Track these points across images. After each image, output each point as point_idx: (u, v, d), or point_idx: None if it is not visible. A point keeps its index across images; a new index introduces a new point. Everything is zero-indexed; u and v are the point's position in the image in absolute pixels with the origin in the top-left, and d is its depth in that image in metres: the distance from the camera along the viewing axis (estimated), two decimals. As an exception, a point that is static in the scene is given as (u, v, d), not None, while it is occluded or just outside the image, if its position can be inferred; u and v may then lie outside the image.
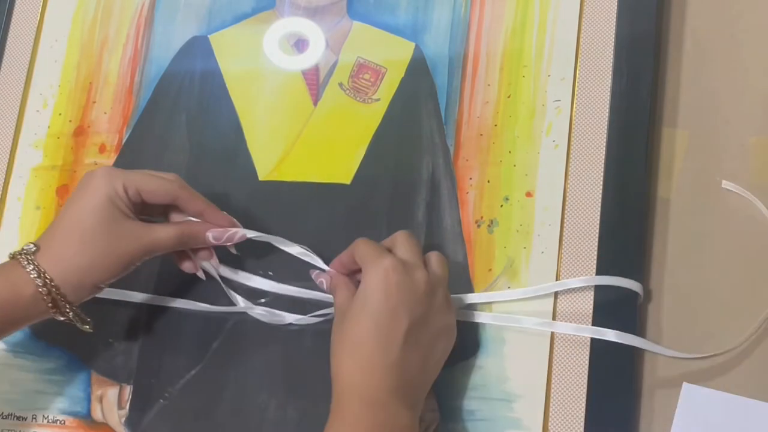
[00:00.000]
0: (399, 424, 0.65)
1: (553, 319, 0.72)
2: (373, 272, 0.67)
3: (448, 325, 0.69)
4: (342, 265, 0.73)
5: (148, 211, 0.73)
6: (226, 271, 0.76)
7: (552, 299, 0.73)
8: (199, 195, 0.74)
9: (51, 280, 0.68)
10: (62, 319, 0.70)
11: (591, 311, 0.72)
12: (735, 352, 0.70)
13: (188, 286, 0.78)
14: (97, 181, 0.70)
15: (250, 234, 0.74)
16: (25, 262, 0.68)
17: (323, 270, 0.74)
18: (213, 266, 0.75)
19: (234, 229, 0.74)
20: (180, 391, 0.77)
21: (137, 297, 0.79)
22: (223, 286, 0.76)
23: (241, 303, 0.76)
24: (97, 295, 0.73)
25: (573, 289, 0.72)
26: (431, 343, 0.68)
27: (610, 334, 0.70)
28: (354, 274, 0.73)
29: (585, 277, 0.72)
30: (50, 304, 0.69)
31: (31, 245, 0.69)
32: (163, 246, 0.72)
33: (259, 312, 0.76)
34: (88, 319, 0.72)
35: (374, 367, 0.65)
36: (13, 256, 0.70)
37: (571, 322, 0.72)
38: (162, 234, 0.71)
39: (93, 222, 0.69)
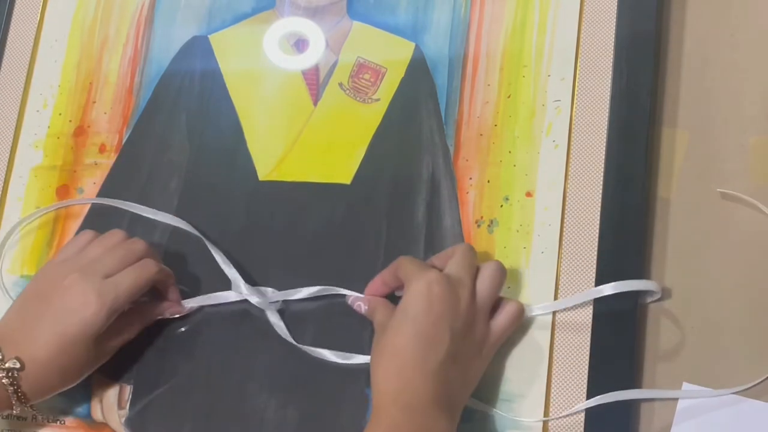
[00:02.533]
0: (436, 431, 0.64)
1: (553, 323, 0.72)
2: (416, 284, 0.67)
3: (485, 340, 0.69)
4: (384, 283, 0.73)
5: None
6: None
7: (551, 313, 0.72)
8: (167, 272, 0.76)
9: (24, 397, 0.71)
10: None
11: (590, 320, 0.72)
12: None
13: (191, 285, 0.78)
14: (93, 313, 0.71)
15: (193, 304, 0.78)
16: (8, 382, 0.70)
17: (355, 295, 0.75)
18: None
19: (186, 306, 0.77)
20: (180, 392, 0.77)
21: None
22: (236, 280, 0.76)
23: (244, 289, 0.76)
24: None
25: (572, 292, 0.72)
26: (470, 358, 0.68)
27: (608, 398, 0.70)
28: (397, 290, 0.73)
29: (615, 282, 0.70)
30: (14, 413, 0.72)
31: (16, 362, 0.70)
32: (125, 342, 0.76)
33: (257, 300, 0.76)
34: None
35: (413, 374, 0.65)
36: None
37: (570, 324, 0.72)
38: (126, 335, 0.75)
39: (79, 354, 0.72)
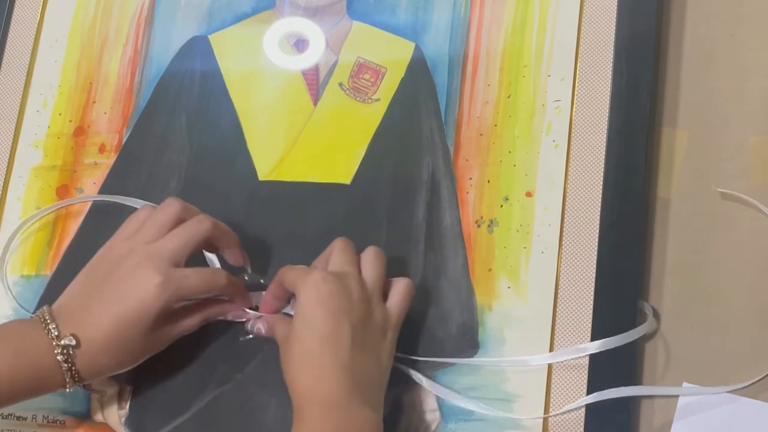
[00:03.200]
0: (360, 424, 0.65)
1: (553, 323, 0.72)
2: (305, 288, 0.68)
3: (387, 323, 0.70)
4: (275, 297, 0.73)
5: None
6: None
7: (551, 313, 0.72)
8: (235, 282, 0.74)
9: (78, 375, 0.70)
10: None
11: (590, 320, 0.72)
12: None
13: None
14: (153, 297, 0.69)
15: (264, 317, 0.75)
16: (62, 359, 0.68)
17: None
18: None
19: (253, 314, 0.75)
20: (180, 391, 0.77)
21: None
22: None
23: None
24: None
25: (571, 303, 0.72)
26: (377, 343, 0.68)
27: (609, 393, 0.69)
28: (288, 303, 0.74)
29: (602, 341, 0.70)
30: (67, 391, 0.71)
31: (72, 339, 0.69)
32: (184, 333, 0.74)
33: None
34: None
35: (326, 372, 0.66)
36: (54, 344, 0.69)
37: (569, 333, 0.72)
38: (185, 326, 0.73)
39: (136, 337, 0.70)
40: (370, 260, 0.71)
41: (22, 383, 0.68)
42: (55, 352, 0.68)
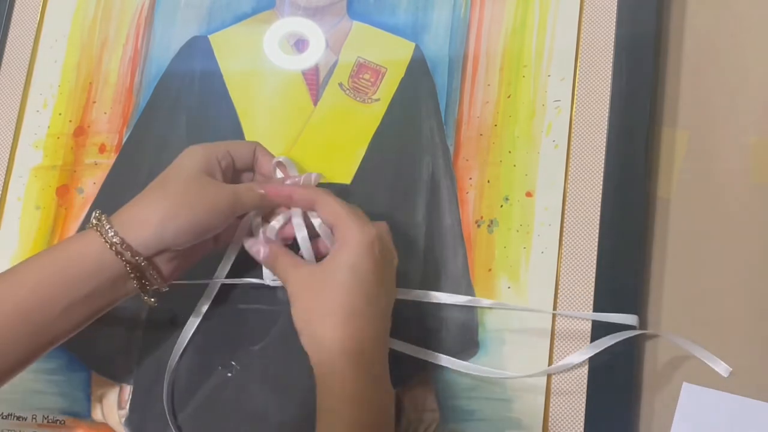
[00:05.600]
0: (386, 400, 0.66)
1: (552, 331, 0.72)
2: (360, 242, 0.67)
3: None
4: (291, 199, 0.71)
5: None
6: None
7: (551, 299, 0.73)
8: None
9: (119, 241, 0.66)
10: (136, 284, 0.68)
11: (590, 320, 0.72)
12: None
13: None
14: (196, 153, 0.70)
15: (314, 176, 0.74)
16: (103, 224, 0.67)
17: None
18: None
19: (305, 175, 0.73)
20: (180, 392, 0.77)
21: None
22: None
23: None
24: None
25: (571, 303, 0.72)
26: (392, 287, 0.70)
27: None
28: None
29: (584, 312, 0.72)
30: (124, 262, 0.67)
31: (107, 221, 0.67)
32: (247, 206, 0.71)
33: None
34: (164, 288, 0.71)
35: (368, 339, 0.66)
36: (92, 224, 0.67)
37: (569, 333, 0.72)
38: (247, 197, 0.70)
39: (183, 180, 0.68)
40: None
41: (98, 292, 0.67)
42: (107, 237, 0.66)
